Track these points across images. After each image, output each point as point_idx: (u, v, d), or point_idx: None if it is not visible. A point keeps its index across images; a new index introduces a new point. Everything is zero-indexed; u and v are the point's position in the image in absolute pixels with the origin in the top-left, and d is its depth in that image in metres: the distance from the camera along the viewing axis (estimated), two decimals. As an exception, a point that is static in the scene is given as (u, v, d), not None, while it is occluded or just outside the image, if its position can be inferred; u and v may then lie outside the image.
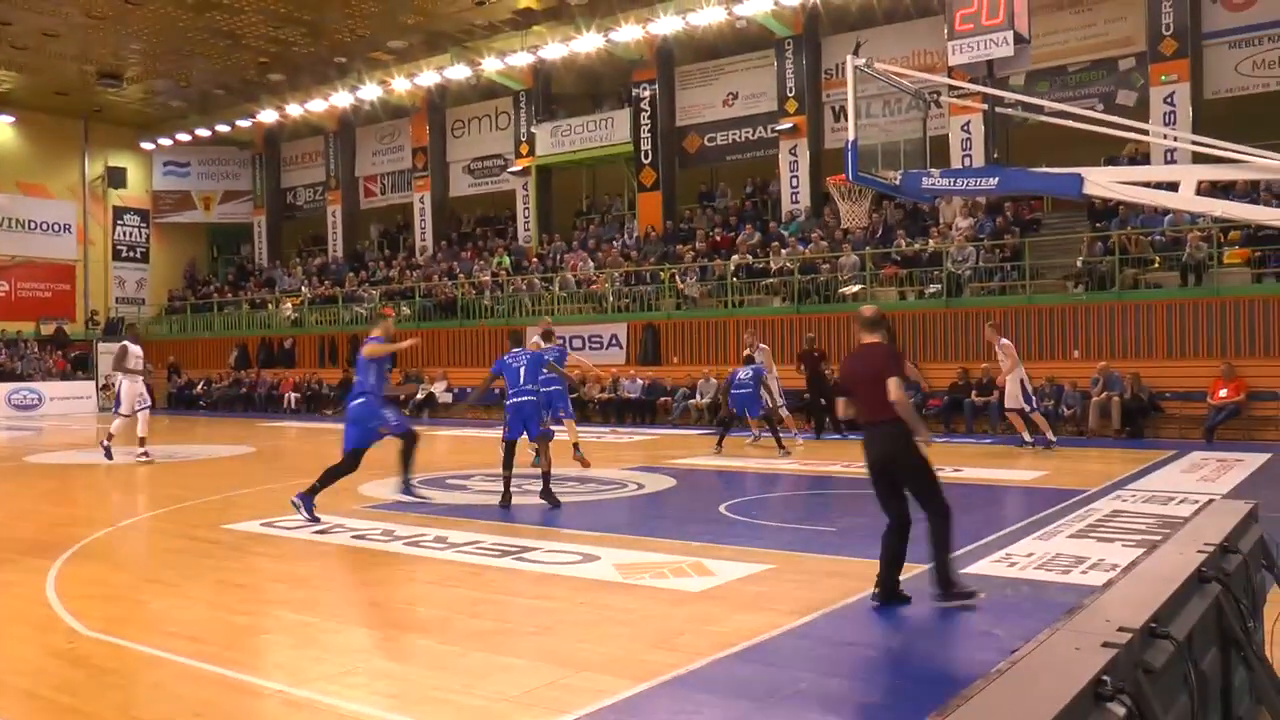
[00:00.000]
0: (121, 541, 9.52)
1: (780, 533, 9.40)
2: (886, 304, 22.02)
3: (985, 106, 17.09)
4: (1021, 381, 16.17)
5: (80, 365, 35.82)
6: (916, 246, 22.77)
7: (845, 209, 15.02)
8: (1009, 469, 13.75)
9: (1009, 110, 17.97)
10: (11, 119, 36.21)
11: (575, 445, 14.11)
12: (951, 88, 20.47)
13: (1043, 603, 6.45)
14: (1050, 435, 16.36)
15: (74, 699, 5.09)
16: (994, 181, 11.78)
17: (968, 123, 23.94)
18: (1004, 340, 16.46)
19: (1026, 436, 16.54)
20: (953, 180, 12.19)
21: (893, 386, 6.34)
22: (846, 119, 11.55)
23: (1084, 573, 7.29)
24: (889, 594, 6.51)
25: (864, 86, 11.54)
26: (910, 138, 12.24)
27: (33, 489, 13.98)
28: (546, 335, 14.52)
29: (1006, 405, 16.55)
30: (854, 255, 23.02)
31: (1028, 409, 16.37)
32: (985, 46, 22.88)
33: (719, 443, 17.13)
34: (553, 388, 13.83)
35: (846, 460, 15.11)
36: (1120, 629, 2.74)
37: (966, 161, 23.62)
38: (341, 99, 33.07)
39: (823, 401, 19.61)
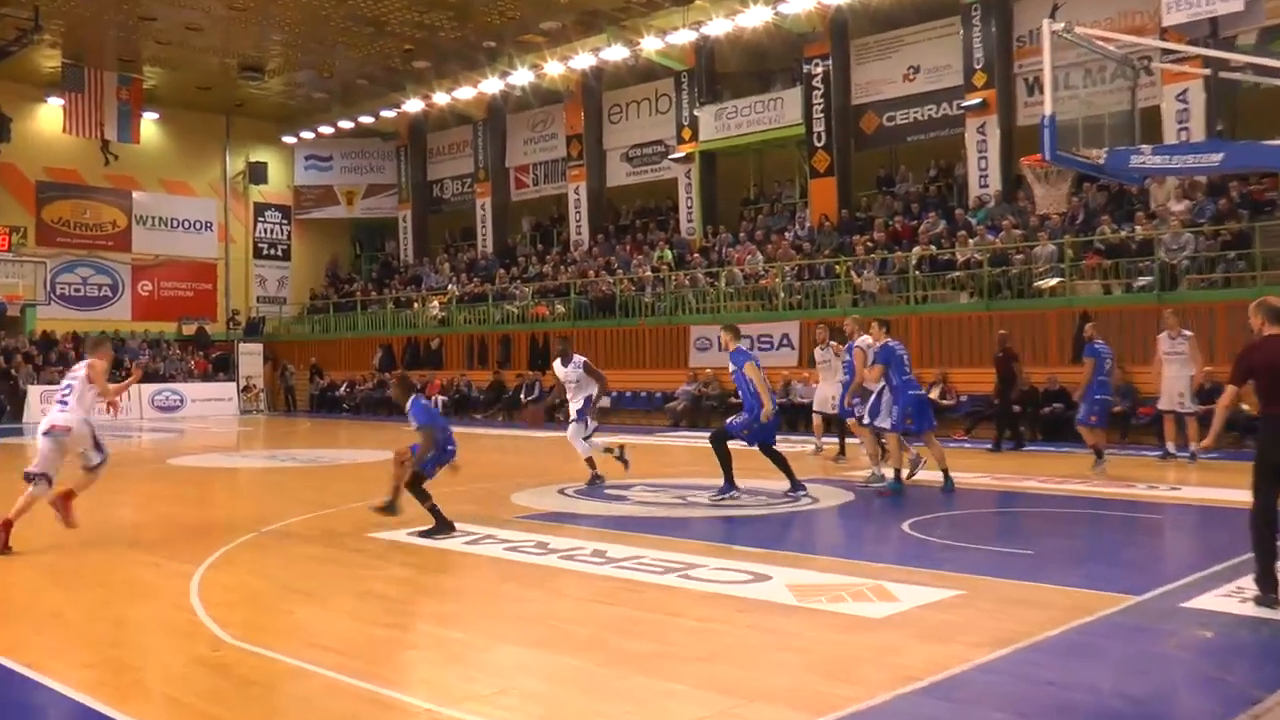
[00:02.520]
0: (264, 548, 9.91)
1: (970, 555, 9.15)
2: (1089, 299, 21.30)
3: (1206, 71, 16.30)
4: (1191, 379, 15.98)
5: (221, 366, 37.63)
6: (1123, 234, 21.90)
7: (1041, 193, 14.51)
8: (1234, 488, 13.08)
9: (1236, 75, 17.07)
10: (156, 116, 38.29)
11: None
12: (1165, 51, 19.63)
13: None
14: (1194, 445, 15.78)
15: (219, 708, 5.31)
16: (1217, 158, 11.21)
17: (1184, 91, 22.85)
18: (1188, 332, 16.20)
19: (1171, 446, 16.27)
20: (1168, 157, 11.64)
21: None
22: (1042, 92, 11.20)
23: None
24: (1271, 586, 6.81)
25: (1062, 54, 11.15)
26: (1116, 110, 11.76)
27: (175, 492, 14.75)
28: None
29: (1163, 405, 16.19)
30: (1051, 245, 22.29)
31: (1194, 409, 15.85)
32: (1207, 3, 22.04)
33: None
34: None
35: (1044, 475, 14.63)
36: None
37: (1184, 136, 22.54)
38: (491, 85, 33.83)
39: (1015, 409, 19.02)
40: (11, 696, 5.68)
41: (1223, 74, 15.22)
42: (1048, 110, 10.60)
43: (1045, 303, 21.80)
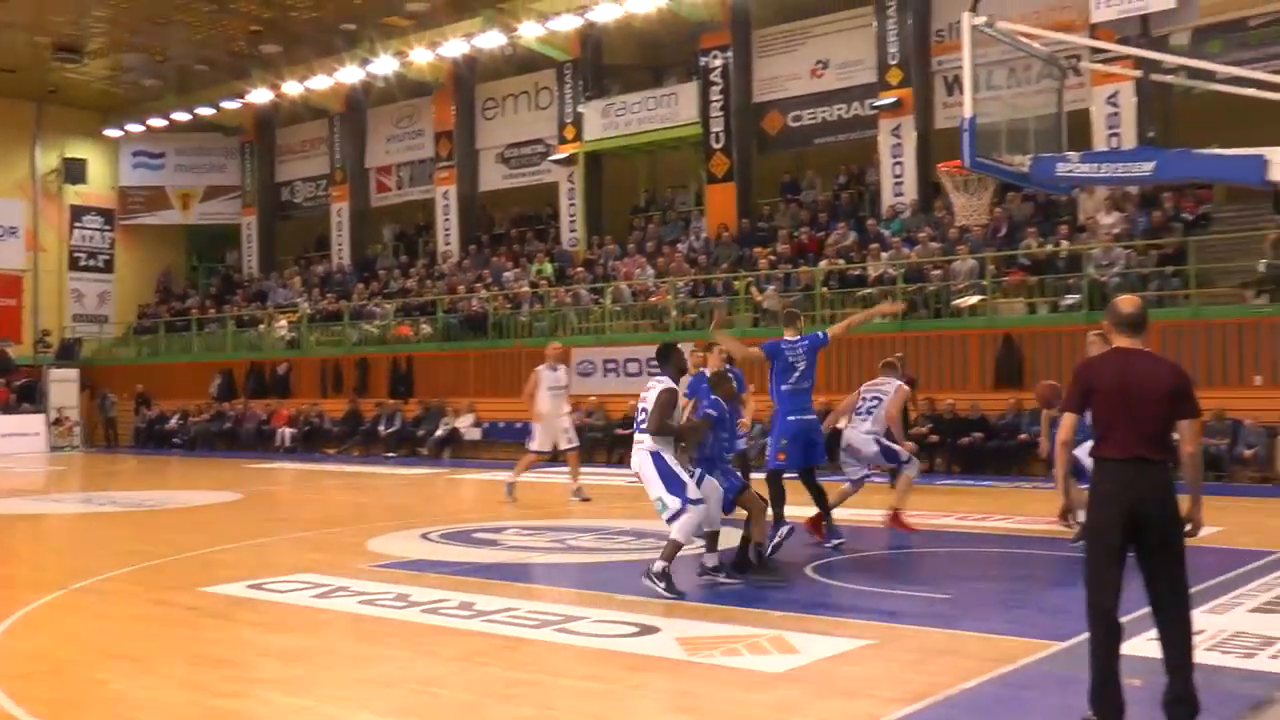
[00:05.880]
0: (76, 607, 9.62)
1: (881, 600, 9.33)
2: (1011, 319, 21.82)
3: (1138, 73, 16.90)
4: None
5: (27, 396, 36.35)
6: (1050, 248, 22.51)
7: (960, 202, 14.83)
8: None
9: (1168, 78, 17.77)
10: (-51, 103, 37.12)
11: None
12: (1094, 50, 20.30)
13: (1219, 694, 6.28)
14: None
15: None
16: (1150, 167, 11.61)
17: (1115, 94, 23.63)
18: None
19: None
20: (1097, 166, 12.02)
21: (1191, 433, 5.94)
22: (962, 91, 11.48)
23: (1273, 657, 7.13)
24: None
25: (984, 51, 11.44)
26: (1042, 114, 12.11)
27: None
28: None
29: None
30: (971, 259, 22.81)
31: None
32: (1139, -1, 22.77)
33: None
34: None
35: (963, 511, 14.95)
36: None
37: (1114, 142, 23.31)
38: (349, 74, 33.51)
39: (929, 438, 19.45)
40: None
41: (1154, 76, 15.80)
42: (968, 112, 10.87)
43: (965, 322, 22.27)
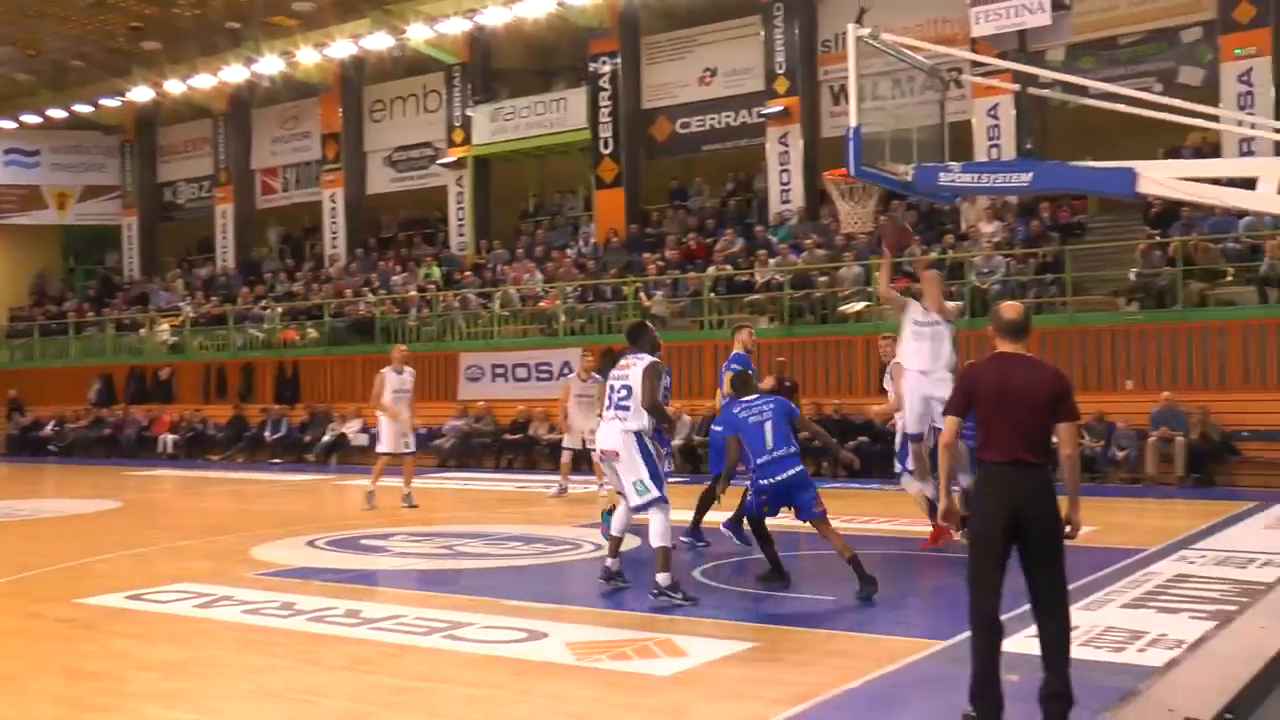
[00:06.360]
0: (-55, 621, 9.36)
1: (767, 602, 9.45)
2: (895, 325, 22.10)
3: (1016, 87, 17.27)
4: None
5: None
6: (933, 255, 22.91)
7: (846, 210, 15.01)
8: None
9: (1045, 91, 18.17)
10: None
11: None
12: (975, 64, 20.67)
13: (1090, 687, 6.45)
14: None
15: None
16: (1027, 177, 11.86)
17: (995, 106, 24.19)
18: None
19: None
20: (977, 176, 12.26)
21: (1070, 435, 6.06)
22: (848, 101, 11.63)
23: (1141, 650, 7.33)
24: None
25: (869, 62, 11.59)
26: (925, 124, 12.29)
27: None
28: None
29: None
30: (857, 266, 23.12)
31: None
32: (1016, 14, 23.41)
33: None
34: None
35: (848, 514, 15.12)
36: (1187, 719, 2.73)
37: (994, 153, 23.84)
38: (234, 74, 33.01)
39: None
40: None
41: (1032, 90, 16.16)
42: (853, 121, 10.99)
43: (851, 328, 22.55)
